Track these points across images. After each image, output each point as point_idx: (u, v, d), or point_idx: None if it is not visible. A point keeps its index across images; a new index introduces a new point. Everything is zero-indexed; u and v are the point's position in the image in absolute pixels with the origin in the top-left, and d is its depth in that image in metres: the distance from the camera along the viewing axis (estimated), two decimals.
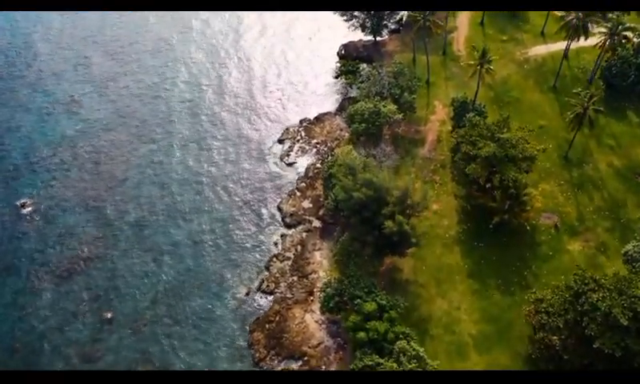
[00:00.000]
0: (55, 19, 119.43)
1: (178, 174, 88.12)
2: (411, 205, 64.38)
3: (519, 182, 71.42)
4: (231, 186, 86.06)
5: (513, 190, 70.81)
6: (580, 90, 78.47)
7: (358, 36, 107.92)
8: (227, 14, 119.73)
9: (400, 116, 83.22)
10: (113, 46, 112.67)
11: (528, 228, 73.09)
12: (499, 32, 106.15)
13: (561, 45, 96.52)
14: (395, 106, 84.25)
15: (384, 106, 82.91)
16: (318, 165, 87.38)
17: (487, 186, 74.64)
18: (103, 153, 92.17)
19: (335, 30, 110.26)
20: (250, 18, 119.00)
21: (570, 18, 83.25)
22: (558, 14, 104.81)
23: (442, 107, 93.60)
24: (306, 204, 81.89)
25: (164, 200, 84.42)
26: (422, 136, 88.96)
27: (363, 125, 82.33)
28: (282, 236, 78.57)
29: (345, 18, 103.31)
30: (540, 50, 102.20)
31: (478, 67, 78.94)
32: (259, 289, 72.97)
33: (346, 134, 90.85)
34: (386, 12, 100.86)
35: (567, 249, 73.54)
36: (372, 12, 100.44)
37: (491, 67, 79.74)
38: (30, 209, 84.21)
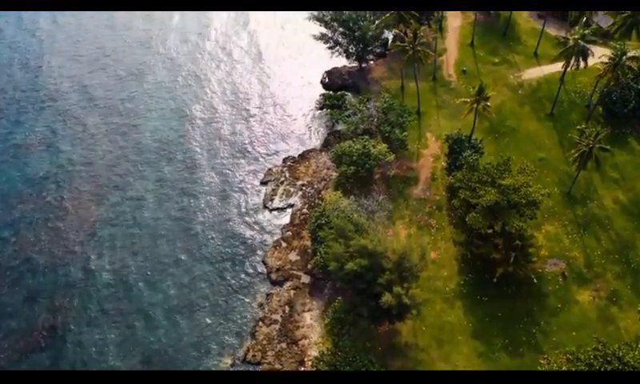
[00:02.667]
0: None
1: (152, 225, 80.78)
2: (409, 267, 58.18)
3: (524, 231, 65.92)
4: (211, 237, 79.05)
5: (518, 242, 65.22)
6: (584, 126, 73.41)
7: (342, 62, 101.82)
8: (204, 37, 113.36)
9: (392, 157, 77.10)
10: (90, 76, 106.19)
11: (535, 280, 67.32)
12: (490, 53, 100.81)
13: (555, 66, 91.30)
14: (385, 145, 78.15)
15: (373, 147, 76.78)
16: (305, 210, 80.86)
17: (489, 231, 69.03)
18: (71, 201, 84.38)
19: (318, 55, 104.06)
20: (228, 41, 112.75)
21: (570, 44, 77.76)
22: (552, 33, 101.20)
23: (434, 140, 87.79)
24: (293, 256, 75.30)
25: (137, 257, 77.08)
26: (414, 174, 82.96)
27: (352, 168, 76.12)
28: (268, 295, 71.84)
29: (328, 45, 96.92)
30: (534, 72, 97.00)
31: (474, 105, 73.05)
32: (244, 359, 65.95)
33: (334, 174, 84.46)
34: (371, 37, 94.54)
35: (577, 299, 68.13)
36: (356, 39, 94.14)
37: (488, 104, 74.00)
38: None
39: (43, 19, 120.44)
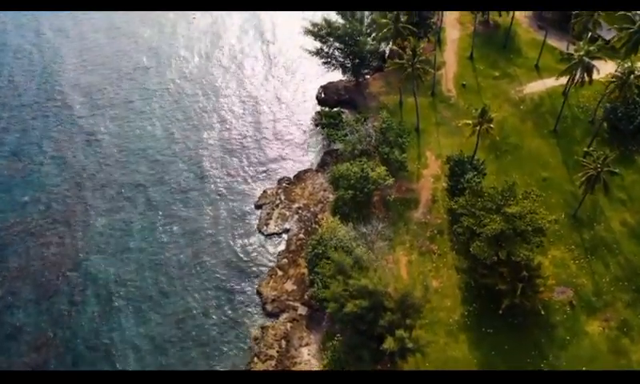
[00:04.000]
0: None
1: (141, 253, 77.16)
2: (412, 304, 55.02)
3: (531, 261, 62.91)
4: (202, 265, 75.55)
5: (524, 272, 62.22)
6: (591, 149, 70.54)
7: (338, 76, 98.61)
8: (197, 51, 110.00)
9: (391, 181, 74.00)
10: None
11: (542, 311, 64.24)
12: (490, 67, 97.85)
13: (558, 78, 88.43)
14: (384, 168, 75.05)
15: (372, 170, 73.67)
16: (301, 235, 77.61)
17: (494, 258, 65.95)
18: (57, 228, 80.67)
19: (313, 69, 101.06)
20: (220, 57, 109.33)
21: (574, 61, 74.95)
22: (552, 45, 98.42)
23: (434, 159, 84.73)
24: (289, 285, 72.05)
25: (124, 288, 73.53)
26: (414, 196, 79.86)
27: (350, 192, 72.93)
28: (263, 328, 68.46)
29: (323, 60, 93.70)
30: (536, 86, 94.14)
31: (477, 127, 70.07)
32: None
33: (330, 196, 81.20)
34: (368, 53, 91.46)
35: (586, 330, 65.22)
36: (352, 54, 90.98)
37: (491, 126, 71.03)
38: None
39: (43, 28, 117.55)
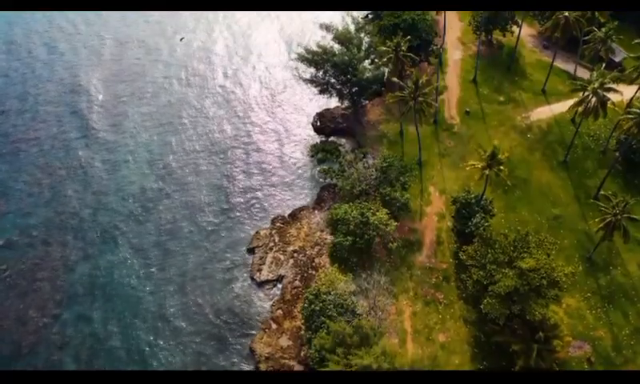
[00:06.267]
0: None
1: (125, 303, 71.59)
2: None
3: (547, 320, 57.89)
4: (190, 318, 70.04)
5: (540, 333, 57.20)
6: (611, 193, 65.56)
7: (335, 102, 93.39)
8: (189, 69, 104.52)
9: (393, 227, 68.68)
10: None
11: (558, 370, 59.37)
12: (494, 91, 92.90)
13: (565, 105, 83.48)
14: (385, 211, 69.73)
15: (373, 214, 68.37)
16: (297, 282, 72.33)
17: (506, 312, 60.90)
18: (35, 274, 74.98)
19: (308, 95, 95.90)
20: (212, 82, 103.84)
21: (587, 94, 69.97)
22: (561, 68, 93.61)
23: (438, 195, 79.62)
24: (284, 341, 66.73)
25: (107, 342, 68.04)
26: (418, 236, 74.68)
27: (349, 238, 67.68)
28: None
29: (319, 88, 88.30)
30: (543, 112, 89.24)
31: (486, 171, 64.96)
32: None
33: (328, 237, 75.87)
34: (366, 81, 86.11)
35: None
36: (350, 81, 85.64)
37: (501, 168, 65.91)
38: None
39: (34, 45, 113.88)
